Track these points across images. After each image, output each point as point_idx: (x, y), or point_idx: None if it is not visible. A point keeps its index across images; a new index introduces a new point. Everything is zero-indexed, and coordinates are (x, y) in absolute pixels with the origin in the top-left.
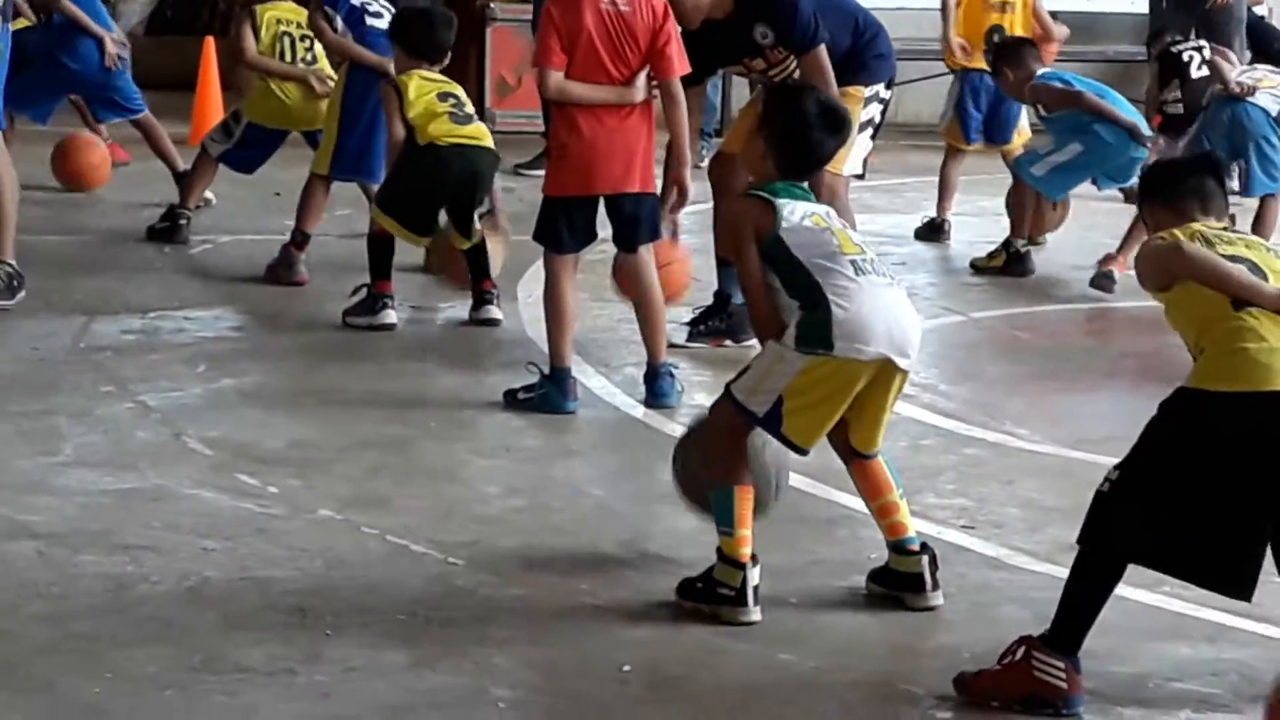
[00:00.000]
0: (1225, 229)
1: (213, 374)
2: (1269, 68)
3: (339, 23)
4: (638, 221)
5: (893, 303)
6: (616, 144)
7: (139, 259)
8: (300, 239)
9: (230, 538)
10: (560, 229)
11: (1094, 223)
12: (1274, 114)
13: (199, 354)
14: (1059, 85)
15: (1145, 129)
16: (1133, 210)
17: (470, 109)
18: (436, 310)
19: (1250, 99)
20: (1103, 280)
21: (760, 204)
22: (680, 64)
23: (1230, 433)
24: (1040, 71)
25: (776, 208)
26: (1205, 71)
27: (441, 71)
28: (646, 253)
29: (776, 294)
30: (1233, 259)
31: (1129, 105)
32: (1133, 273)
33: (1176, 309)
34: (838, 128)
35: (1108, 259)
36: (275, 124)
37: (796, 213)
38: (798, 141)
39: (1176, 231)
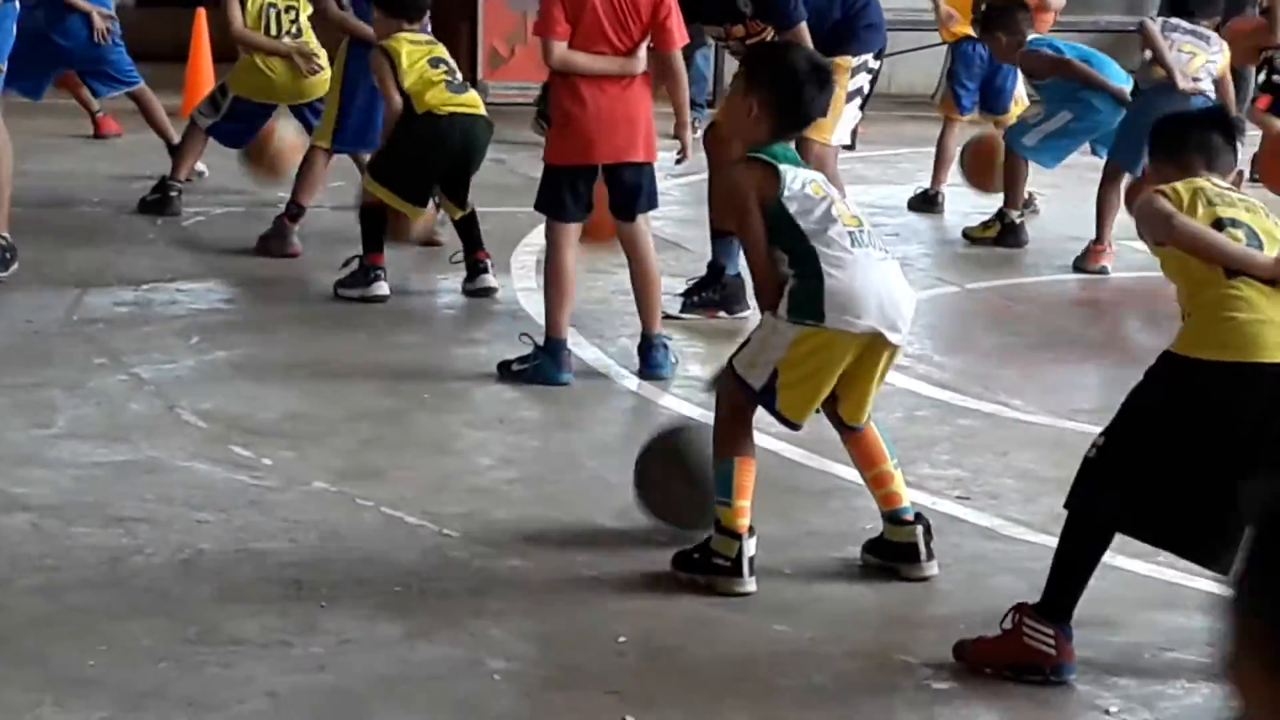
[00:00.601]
0: (1228, 189)
1: (205, 346)
2: (1186, 28)
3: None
4: (638, 190)
5: (885, 276)
6: (619, 113)
7: (131, 231)
8: (295, 211)
9: (224, 510)
10: (564, 197)
11: (1089, 193)
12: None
13: (192, 326)
14: (1048, 52)
15: (1128, 95)
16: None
17: (460, 75)
18: (430, 281)
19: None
20: (1088, 269)
21: (764, 169)
22: (680, 36)
23: (1213, 401)
24: (1031, 38)
25: (780, 173)
26: None
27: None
28: (644, 222)
29: (778, 262)
30: (1232, 221)
31: (1119, 70)
32: (1124, 243)
33: (1169, 264)
34: (825, 82)
35: (1091, 254)
36: (261, 98)
37: (798, 179)
38: (791, 98)
39: (1179, 187)
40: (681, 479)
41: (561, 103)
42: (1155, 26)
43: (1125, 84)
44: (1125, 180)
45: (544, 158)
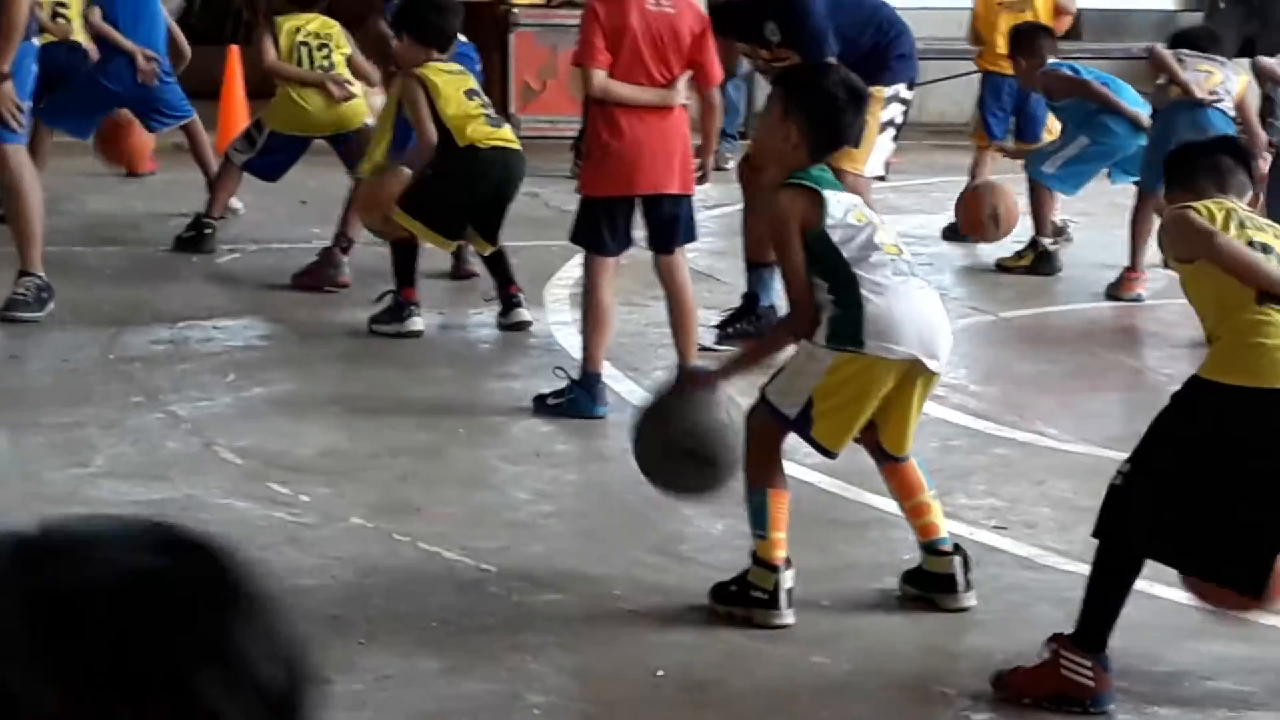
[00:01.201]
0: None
1: (242, 383)
2: (1198, 54)
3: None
4: (676, 222)
5: (925, 305)
6: (657, 144)
7: (167, 269)
8: (345, 244)
9: (262, 547)
10: (602, 230)
11: (1121, 220)
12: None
13: (228, 363)
14: (1067, 73)
15: (1148, 120)
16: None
17: (491, 104)
18: (465, 316)
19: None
20: (1122, 297)
21: (808, 196)
22: (718, 72)
23: (1241, 427)
24: (1050, 61)
25: (824, 200)
26: None
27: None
28: (682, 255)
29: (815, 289)
30: (1263, 246)
31: (1135, 95)
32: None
33: (1196, 284)
34: (860, 101)
35: (1125, 282)
36: (297, 131)
37: (841, 206)
38: (828, 122)
39: (1210, 206)
40: (676, 449)
41: (599, 133)
42: (1165, 51)
43: (1143, 109)
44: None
45: (579, 189)
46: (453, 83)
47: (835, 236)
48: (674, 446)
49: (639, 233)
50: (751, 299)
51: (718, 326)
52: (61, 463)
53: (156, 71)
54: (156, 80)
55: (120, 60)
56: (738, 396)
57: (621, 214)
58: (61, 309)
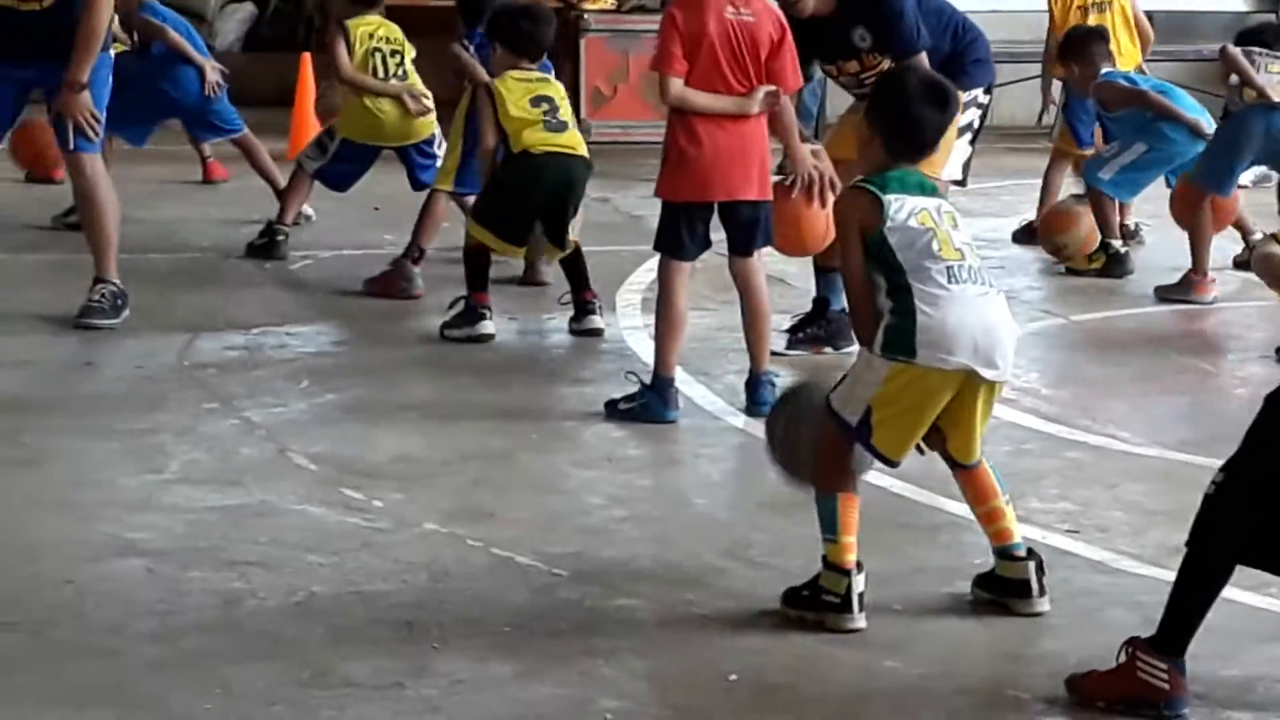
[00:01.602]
0: None
1: (315, 389)
2: (1268, 52)
3: (471, 50)
4: (754, 226)
5: (983, 312)
6: (735, 151)
7: (240, 276)
8: (418, 254)
9: (336, 552)
10: (682, 235)
11: None
12: None
13: (301, 369)
14: (1123, 84)
15: (1208, 126)
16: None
17: (566, 113)
18: (537, 321)
19: None
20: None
21: (867, 199)
22: (796, 80)
23: None
24: (1105, 70)
25: (884, 204)
26: None
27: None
28: (758, 258)
29: (877, 293)
30: None
31: (1192, 102)
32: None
33: None
34: (943, 102)
35: (1195, 285)
36: (369, 140)
37: (904, 210)
38: (901, 118)
39: None
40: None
41: (677, 139)
42: (1237, 50)
43: (1200, 115)
44: (1208, 201)
45: (658, 194)
46: (521, 89)
47: (893, 240)
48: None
49: (717, 235)
50: (822, 303)
51: (788, 331)
52: (136, 469)
53: (221, 84)
54: (219, 92)
55: (188, 71)
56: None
57: (700, 219)
58: (136, 316)
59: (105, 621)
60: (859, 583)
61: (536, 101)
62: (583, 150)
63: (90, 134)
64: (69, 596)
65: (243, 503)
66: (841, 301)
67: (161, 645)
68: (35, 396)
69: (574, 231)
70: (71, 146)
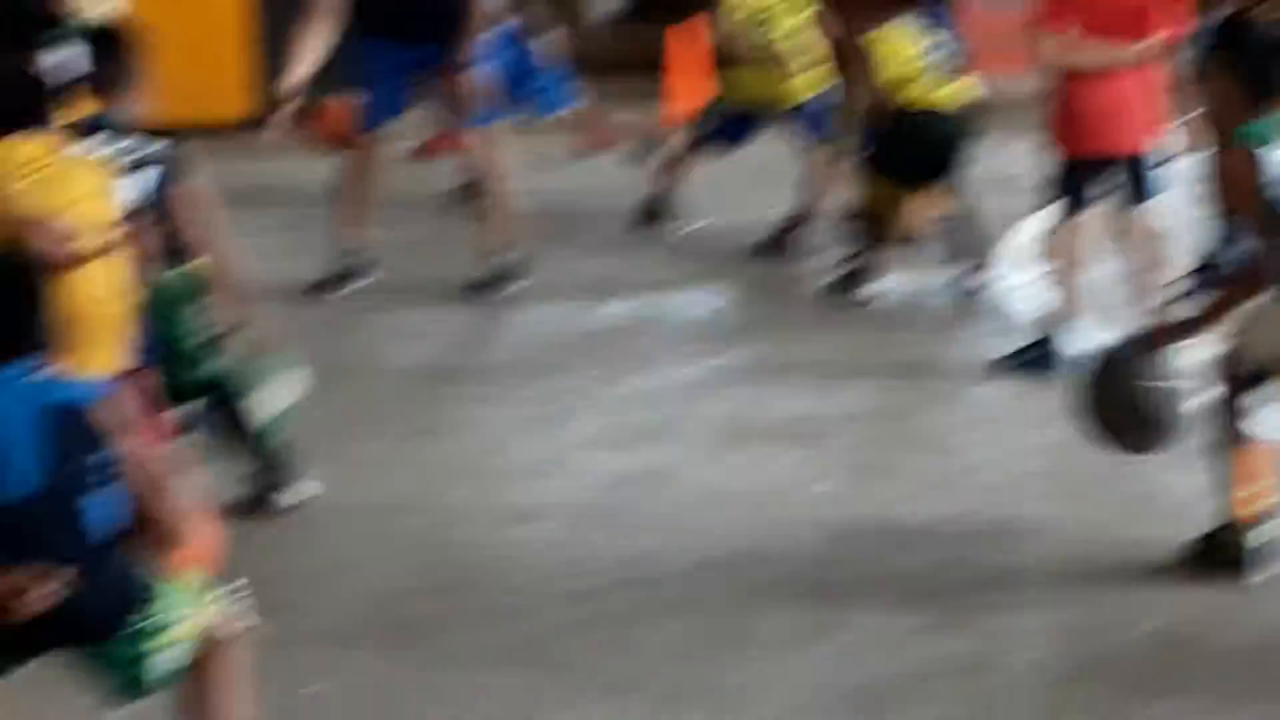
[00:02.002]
0: None
1: (707, 352)
2: None
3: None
4: (1147, 177)
5: None
6: (1127, 103)
7: (631, 242)
8: (804, 217)
9: (733, 514)
10: (1074, 188)
11: None
12: None
13: (693, 333)
14: None
15: None
16: None
17: (951, 64)
18: (921, 279)
19: None
20: None
21: (1244, 158)
22: (1182, 30)
23: None
24: None
25: (1256, 160)
26: None
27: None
28: (1152, 209)
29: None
30: None
31: None
32: None
33: None
34: None
35: None
36: (749, 105)
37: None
38: (1260, 68)
39: None
40: (1110, 405)
41: (1069, 95)
42: None
43: None
44: None
45: (1058, 149)
46: (898, 45)
47: (1272, 193)
48: (1120, 405)
49: (1106, 188)
50: (1210, 254)
51: (1176, 282)
52: (536, 434)
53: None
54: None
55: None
56: (1198, 351)
57: (1094, 173)
58: (536, 282)
59: (519, 584)
60: (1264, 533)
61: (921, 54)
62: (967, 102)
63: (483, 109)
64: (485, 560)
65: (642, 466)
66: (1229, 253)
67: (575, 607)
68: (441, 366)
69: (953, 189)
70: (470, 122)
